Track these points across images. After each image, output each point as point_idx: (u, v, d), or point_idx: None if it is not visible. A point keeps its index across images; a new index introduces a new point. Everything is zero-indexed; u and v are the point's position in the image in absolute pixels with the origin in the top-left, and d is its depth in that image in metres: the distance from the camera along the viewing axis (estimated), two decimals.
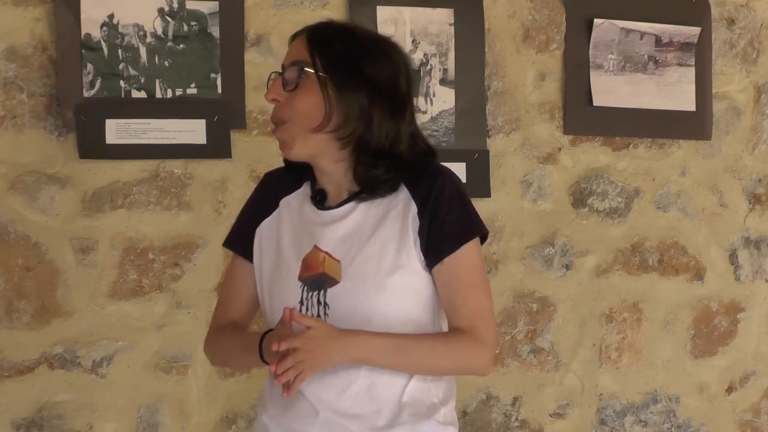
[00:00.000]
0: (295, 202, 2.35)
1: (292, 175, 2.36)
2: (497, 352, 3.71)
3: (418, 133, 2.33)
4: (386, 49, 2.29)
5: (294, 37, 2.30)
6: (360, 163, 2.25)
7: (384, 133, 2.24)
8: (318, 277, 2.24)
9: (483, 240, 2.30)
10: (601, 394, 3.87)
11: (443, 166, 2.30)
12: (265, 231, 2.36)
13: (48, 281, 3.27)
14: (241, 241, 2.40)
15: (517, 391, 3.77)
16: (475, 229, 2.27)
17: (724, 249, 4.02)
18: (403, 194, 2.26)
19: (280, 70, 2.28)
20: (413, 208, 2.25)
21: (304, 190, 2.35)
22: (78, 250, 3.29)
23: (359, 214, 2.27)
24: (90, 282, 3.30)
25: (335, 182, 2.30)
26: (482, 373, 2.32)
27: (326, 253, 2.25)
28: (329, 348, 2.15)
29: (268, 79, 2.32)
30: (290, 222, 2.33)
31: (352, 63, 2.23)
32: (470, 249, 2.25)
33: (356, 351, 2.18)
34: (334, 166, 2.28)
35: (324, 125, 2.22)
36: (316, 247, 2.26)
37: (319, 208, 2.30)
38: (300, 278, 2.26)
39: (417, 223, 2.24)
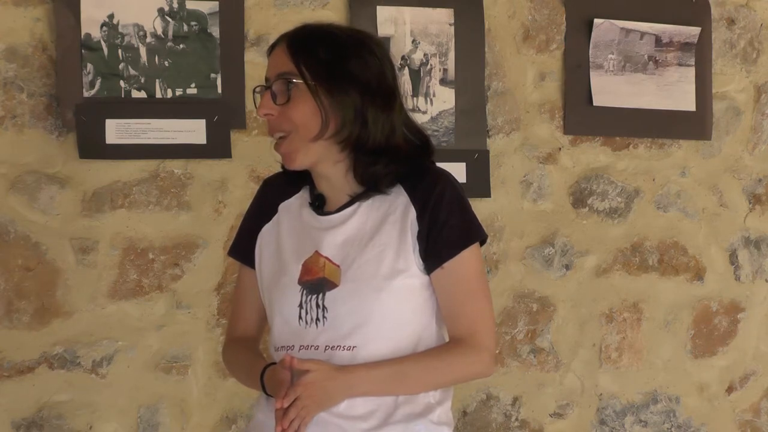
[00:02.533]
0: (294, 207, 2.35)
1: (291, 179, 2.36)
2: (497, 352, 3.72)
3: (410, 121, 2.33)
4: (367, 43, 2.28)
5: (272, 47, 2.30)
6: (359, 162, 2.26)
7: (380, 129, 2.24)
8: (317, 281, 2.25)
9: (482, 244, 2.30)
10: (601, 394, 3.87)
11: (442, 169, 2.30)
12: (265, 236, 2.37)
13: (48, 281, 3.27)
14: (243, 249, 2.41)
15: (517, 391, 3.77)
16: (474, 234, 2.28)
17: (724, 249, 4.02)
18: (402, 198, 2.27)
19: (265, 83, 2.27)
20: (412, 213, 2.25)
21: (303, 194, 2.35)
22: (78, 250, 3.29)
23: (359, 218, 2.27)
24: (90, 282, 3.30)
25: (334, 186, 2.30)
26: (486, 376, 2.34)
27: (326, 258, 2.25)
28: (329, 389, 2.18)
29: (254, 92, 2.32)
30: (290, 227, 2.34)
31: (338, 65, 2.22)
32: (470, 254, 2.26)
33: (356, 388, 2.20)
34: (334, 169, 2.28)
35: (323, 132, 2.22)
36: (316, 252, 2.27)
37: (319, 214, 2.31)
38: (299, 282, 2.27)
39: (416, 227, 2.24)
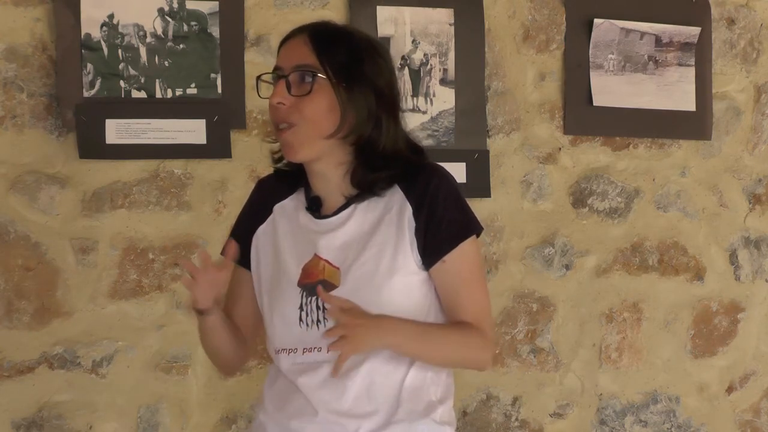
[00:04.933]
0: (290, 208, 2.35)
1: (285, 180, 2.36)
2: (497, 352, 3.72)
3: (405, 133, 2.34)
4: (379, 49, 2.31)
5: (288, 38, 2.29)
6: (362, 165, 2.26)
7: (390, 135, 2.26)
8: (317, 284, 2.24)
9: (477, 236, 2.31)
10: (601, 394, 3.87)
11: (436, 165, 2.31)
12: (261, 237, 2.37)
13: (48, 281, 3.27)
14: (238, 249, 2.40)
15: (517, 391, 3.77)
16: (471, 227, 2.29)
17: (724, 249, 4.02)
18: (397, 196, 2.27)
19: (277, 71, 2.26)
20: (408, 210, 2.26)
21: (298, 195, 2.35)
22: (78, 250, 3.29)
23: (356, 220, 2.27)
24: (90, 282, 3.30)
25: (331, 187, 2.30)
26: (483, 368, 2.35)
27: (326, 261, 2.26)
28: (369, 331, 2.18)
29: (258, 79, 2.31)
30: (286, 228, 2.34)
31: (357, 66, 2.23)
32: (467, 246, 2.27)
33: (389, 337, 2.20)
34: (334, 170, 2.28)
35: (338, 131, 2.23)
36: (316, 255, 2.27)
37: (316, 217, 2.30)
38: (299, 284, 2.27)
39: (413, 224, 2.25)
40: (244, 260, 2.39)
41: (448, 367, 2.31)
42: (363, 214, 2.28)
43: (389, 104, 2.26)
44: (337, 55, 2.23)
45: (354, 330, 2.15)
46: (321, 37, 2.26)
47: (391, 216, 2.26)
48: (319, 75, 2.22)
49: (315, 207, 2.31)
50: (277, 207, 2.37)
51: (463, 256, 2.26)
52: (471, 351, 2.29)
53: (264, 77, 2.30)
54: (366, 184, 2.26)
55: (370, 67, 2.25)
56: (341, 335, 2.15)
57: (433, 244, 2.24)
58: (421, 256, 2.25)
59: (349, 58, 2.24)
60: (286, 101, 2.24)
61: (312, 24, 2.30)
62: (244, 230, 2.41)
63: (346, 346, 2.15)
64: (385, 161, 2.25)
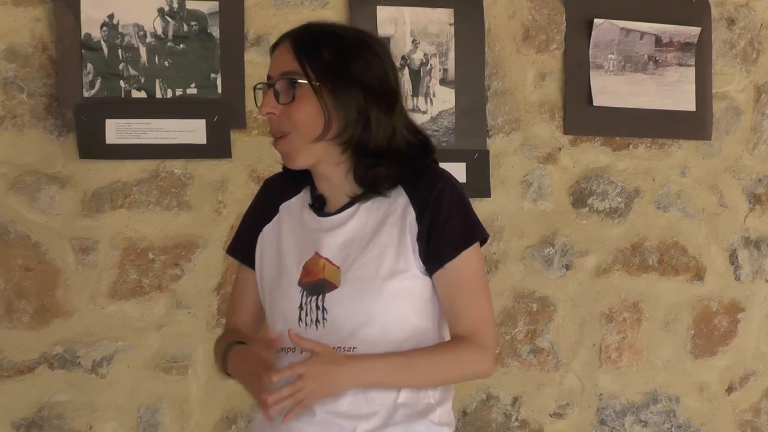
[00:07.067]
0: (295, 208, 2.35)
1: (292, 180, 2.36)
2: (497, 352, 3.72)
3: (410, 122, 2.32)
4: (370, 44, 2.28)
5: (276, 45, 2.29)
6: (360, 164, 2.26)
7: (382, 132, 2.24)
8: (317, 283, 2.25)
9: (483, 243, 2.30)
10: (601, 394, 3.87)
11: (443, 170, 2.30)
12: (266, 237, 2.37)
13: (48, 281, 3.27)
14: (242, 248, 2.42)
15: (517, 391, 3.77)
16: (475, 234, 2.28)
17: (724, 249, 4.02)
18: (401, 199, 2.26)
19: (269, 80, 2.27)
20: (411, 214, 2.25)
21: (304, 195, 2.35)
22: (78, 250, 3.29)
23: (358, 219, 2.27)
24: (90, 282, 3.30)
25: (335, 186, 2.30)
26: (485, 377, 2.33)
27: (326, 259, 2.25)
28: (335, 374, 2.16)
29: (255, 89, 2.32)
30: (291, 227, 2.34)
31: (342, 66, 2.22)
32: (470, 254, 2.26)
33: (363, 376, 2.18)
34: (334, 170, 2.28)
35: (325, 134, 2.22)
36: (316, 253, 2.27)
37: (319, 215, 2.31)
38: (299, 283, 2.27)
39: (415, 229, 2.24)
40: (248, 259, 2.39)
41: (446, 385, 2.31)
42: (366, 213, 2.27)
43: (382, 100, 2.24)
44: (318, 57, 2.22)
45: (311, 381, 2.12)
46: (302, 41, 2.25)
47: (394, 218, 2.26)
48: (300, 81, 2.22)
49: (318, 205, 2.31)
50: (283, 206, 2.37)
51: (465, 263, 2.25)
52: (463, 368, 2.27)
53: (259, 87, 2.31)
54: (368, 182, 2.26)
55: (356, 65, 2.23)
56: (298, 387, 2.12)
57: (436, 250, 2.24)
58: (423, 262, 2.25)
59: (333, 58, 2.22)
60: (275, 110, 2.24)
61: (295, 29, 2.29)
62: (250, 229, 2.41)
63: (302, 393, 2.12)
64: (383, 158, 2.25)
